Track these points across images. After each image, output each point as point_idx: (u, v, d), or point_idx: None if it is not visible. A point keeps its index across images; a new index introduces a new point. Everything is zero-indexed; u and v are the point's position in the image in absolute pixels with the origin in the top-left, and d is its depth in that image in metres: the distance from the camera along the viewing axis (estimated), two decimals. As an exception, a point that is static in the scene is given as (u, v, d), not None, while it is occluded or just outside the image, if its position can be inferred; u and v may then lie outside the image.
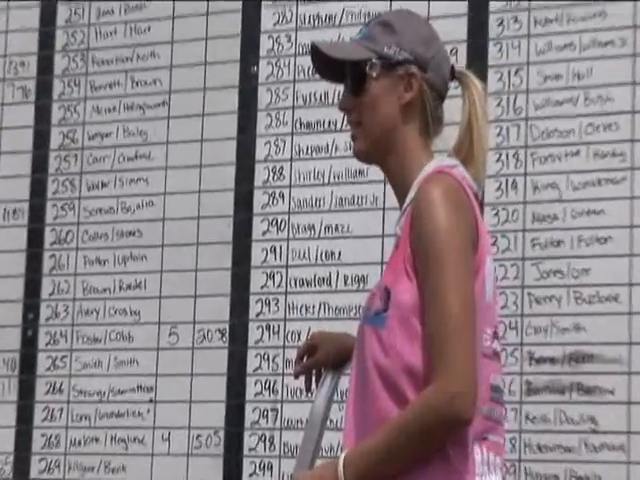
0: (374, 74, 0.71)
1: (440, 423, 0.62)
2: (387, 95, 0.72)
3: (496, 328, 0.71)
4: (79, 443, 1.98)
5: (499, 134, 1.76)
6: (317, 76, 0.84)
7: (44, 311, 2.04)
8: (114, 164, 2.05)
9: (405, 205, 0.71)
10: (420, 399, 0.63)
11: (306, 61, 1.47)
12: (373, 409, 0.66)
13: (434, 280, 0.63)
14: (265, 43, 1.96)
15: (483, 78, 1.75)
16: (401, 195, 0.73)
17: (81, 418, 1.99)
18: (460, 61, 1.79)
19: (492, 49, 1.79)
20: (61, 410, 2.00)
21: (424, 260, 0.65)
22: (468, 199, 0.68)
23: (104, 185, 2.05)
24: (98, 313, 2.02)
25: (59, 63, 2.09)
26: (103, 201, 2.05)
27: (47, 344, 2.03)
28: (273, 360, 1.89)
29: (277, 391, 1.88)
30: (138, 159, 2.03)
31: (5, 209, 2.09)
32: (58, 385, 2.01)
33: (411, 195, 0.70)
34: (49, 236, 2.07)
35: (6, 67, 2.12)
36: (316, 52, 0.75)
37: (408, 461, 0.63)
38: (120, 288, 2.01)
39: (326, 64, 0.75)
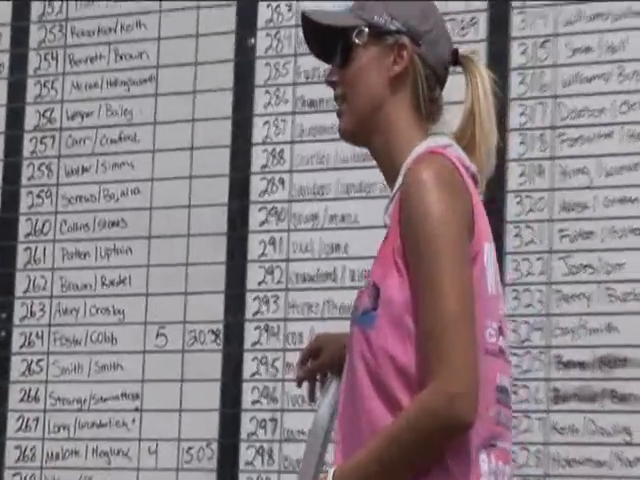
0: (361, 42, 0.73)
1: (439, 428, 0.62)
2: (374, 66, 0.74)
3: (501, 323, 0.72)
4: (57, 456, 2.04)
5: (523, 114, 1.81)
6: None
7: (18, 310, 2.10)
8: (96, 147, 2.10)
9: (394, 190, 0.72)
10: (415, 403, 0.64)
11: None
12: (363, 418, 0.67)
13: (427, 270, 0.64)
14: (263, 12, 2.00)
15: (504, 51, 1.81)
16: (390, 179, 0.74)
17: (59, 429, 2.05)
18: (480, 33, 1.83)
19: (515, 18, 1.84)
20: (37, 420, 2.06)
21: (415, 249, 0.66)
22: (463, 180, 0.69)
23: (85, 170, 2.10)
24: (78, 312, 2.07)
25: (34, 35, 2.14)
26: (83, 188, 2.11)
27: (21, 346, 2.08)
28: (272, 364, 1.94)
29: (276, 399, 1.93)
30: (122, 141, 2.08)
31: None
32: (34, 392, 2.07)
33: (400, 179, 0.71)
34: (23, 227, 2.12)
35: None
36: (306, 22, 0.77)
37: (404, 474, 0.64)
38: (102, 284, 2.06)
39: (316, 36, 0.78)
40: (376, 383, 0.66)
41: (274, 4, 2.00)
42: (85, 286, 2.07)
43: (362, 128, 0.75)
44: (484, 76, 0.75)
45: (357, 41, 0.74)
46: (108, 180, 2.08)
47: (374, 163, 0.82)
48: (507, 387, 0.72)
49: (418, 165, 0.69)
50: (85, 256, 2.08)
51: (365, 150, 0.81)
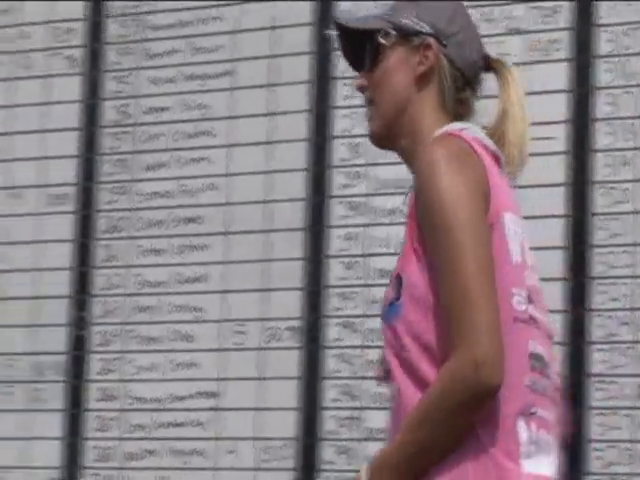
0: (387, 44, 1.00)
1: (468, 395, 0.84)
2: (400, 67, 1.00)
3: (530, 291, 0.94)
4: (134, 456, 2.77)
5: (609, 103, 2.41)
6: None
7: (95, 308, 2.85)
8: (171, 142, 2.84)
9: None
10: (440, 375, 0.86)
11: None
12: (399, 403, 0.92)
13: (444, 246, 0.87)
14: (342, 3, 2.68)
15: (590, 39, 2.43)
16: None
17: (136, 428, 2.78)
18: (565, 21, 2.46)
19: (600, 6, 2.43)
20: (114, 419, 2.80)
21: (430, 229, 0.88)
22: (477, 156, 0.93)
23: (160, 166, 2.85)
24: (154, 310, 2.81)
25: (110, 30, 2.91)
26: (159, 184, 2.85)
27: (98, 345, 2.84)
28: (352, 362, 2.56)
29: (357, 397, 2.54)
30: (198, 136, 2.82)
31: (49, 193, 2.92)
32: (111, 391, 2.82)
33: None
34: (100, 224, 2.88)
35: (52, 34, 2.96)
36: (337, 27, 1.06)
37: (440, 449, 0.86)
38: (179, 281, 2.79)
39: (348, 42, 1.06)
40: (405, 366, 0.91)
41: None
42: (161, 283, 2.82)
43: (389, 131, 1.01)
44: (517, 80, 1.02)
45: (383, 42, 1.00)
46: (184, 176, 2.83)
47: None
48: (543, 355, 0.94)
49: (429, 146, 0.93)
50: (161, 253, 2.84)
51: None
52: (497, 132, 1.01)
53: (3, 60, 2.97)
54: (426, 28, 1.02)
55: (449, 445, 0.87)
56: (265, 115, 2.76)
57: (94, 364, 2.85)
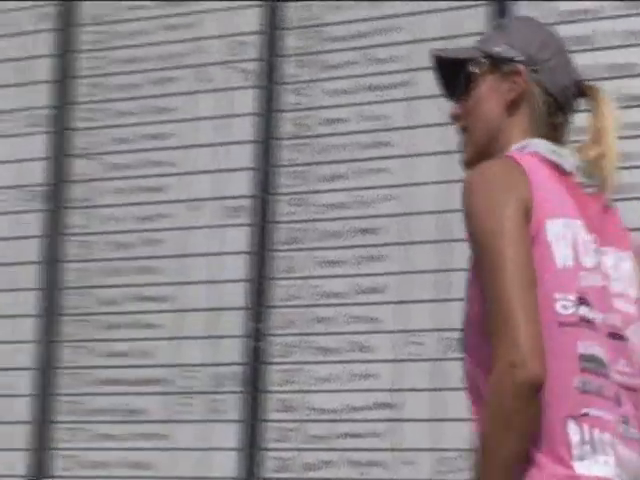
0: (479, 72, 1.46)
1: (507, 397, 1.25)
2: (492, 95, 1.45)
3: (586, 293, 1.34)
4: (312, 467, 3.72)
5: None
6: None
7: (273, 319, 3.92)
8: (349, 153, 3.84)
9: None
10: (489, 384, 1.30)
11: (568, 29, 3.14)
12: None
13: (482, 262, 1.32)
14: (518, 12, 3.48)
15: None
16: None
17: (314, 439, 3.78)
18: None
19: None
20: (293, 430, 3.78)
21: (472, 246, 1.35)
22: (521, 173, 1.37)
23: (338, 177, 3.87)
24: (331, 321, 3.81)
25: (288, 41, 3.98)
26: (336, 195, 3.86)
27: (277, 356, 3.86)
28: None
29: None
30: (376, 147, 3.79)
31: (226, 206, 4.02)
32: (290, 402, 3.81)
33: None
34: (276, 235, 3.95)
35: (228, 48, 4.10)
36: (434, 60, 1.54)
37: (509, 454, 1.26)
38: (356, 292, 3.76)
39: (444, 72, 1.53)
40: (473, 388, 1.40)
41: (528, 4, 3.52)
42: (338, 294, 3.81)
43: (482, 157, 1.43)
44: (611, 106, 1.47)
45: (475, 71, 1.45)
46: (361, 187, 3.83)
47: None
48: (598, 355, 1.33)
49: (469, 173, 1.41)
50: (338, 264, 3.84)
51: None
52: (589, 152, 1.47)
53: (182, 75, 4.16)
54: (517, 55, 1.46)
55: (514, 449, 1.27)
56: (442, 125, 3.62)
57: (272, 375, 3.85)
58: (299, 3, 4.04)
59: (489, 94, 1.48)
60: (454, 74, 1.53)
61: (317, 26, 4.02)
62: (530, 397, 1.26)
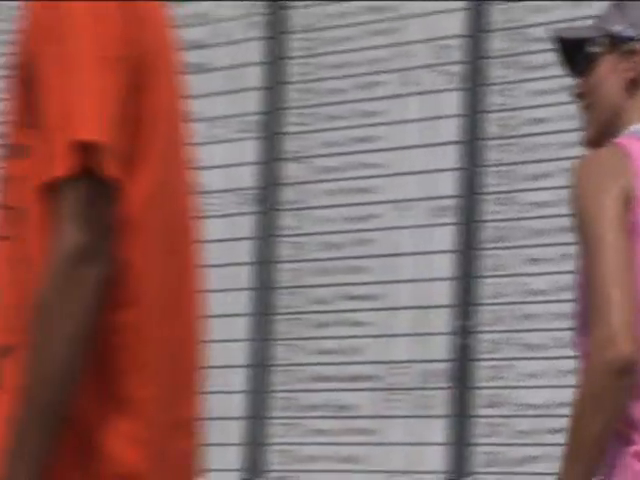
0: (599, 51, 1.65)
1: (600, 373, 1.52)
2: (611, 73, 1.64)
3: None
4: (520, 462, 4.33)
5: None
6: None
7: (481, 316, 4.51)
8: (554, 152, 4.44)
9: None
10: (586, 365, 1.59)
11: None
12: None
13: (584, 242, 1.59)
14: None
15: None
16: None
17: (521, 434, 4.36)
18: None
19: None
20: (501, 425, 4.36)
21: (576, 229, 1.64)
22: (627, 164, 1.60)
23: (544, 176, 4.48)
24: (537, 317, 4.38)
25: (491, 43, 4.62)
26: (540, 194, 4.44)
27: (485, 353, 4.46)
28: None
29: None
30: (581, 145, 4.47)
31: (434, 206, 4.67)
32: (497, 398, 4.39)
33: None
34: (484, 234, 4.56)
35: (433, 51, 4.77)
36: (556, 39, 1.74)
37: (598, 429, 1.55)
38: (560, 289, 4.30)
39: (566, 53, 1.73)
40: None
41: None
42: (543, 291, 4.37)
43: (603, 137, 1.64)
44: None
45: (595, 50, 1.65)
46: (565, 185, 4.50)
47: None
48: None
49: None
50: (543, 262, 4.39)
51: None
52: None
53: (389, 78, 4.83)
54: (636, 34, 1.67)
55: (609, 429, 1.56)
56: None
57: (480, 371, 4.46)
58: (503, 5, 4.70)
59: (609, 74, 1.70)
60: (578, 53, 1.75)
61: (520, 28, 4.67)
62: (619, 375, 1.50)
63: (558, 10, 4.60)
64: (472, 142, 4.73)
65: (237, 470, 4.89)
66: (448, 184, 4.74)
